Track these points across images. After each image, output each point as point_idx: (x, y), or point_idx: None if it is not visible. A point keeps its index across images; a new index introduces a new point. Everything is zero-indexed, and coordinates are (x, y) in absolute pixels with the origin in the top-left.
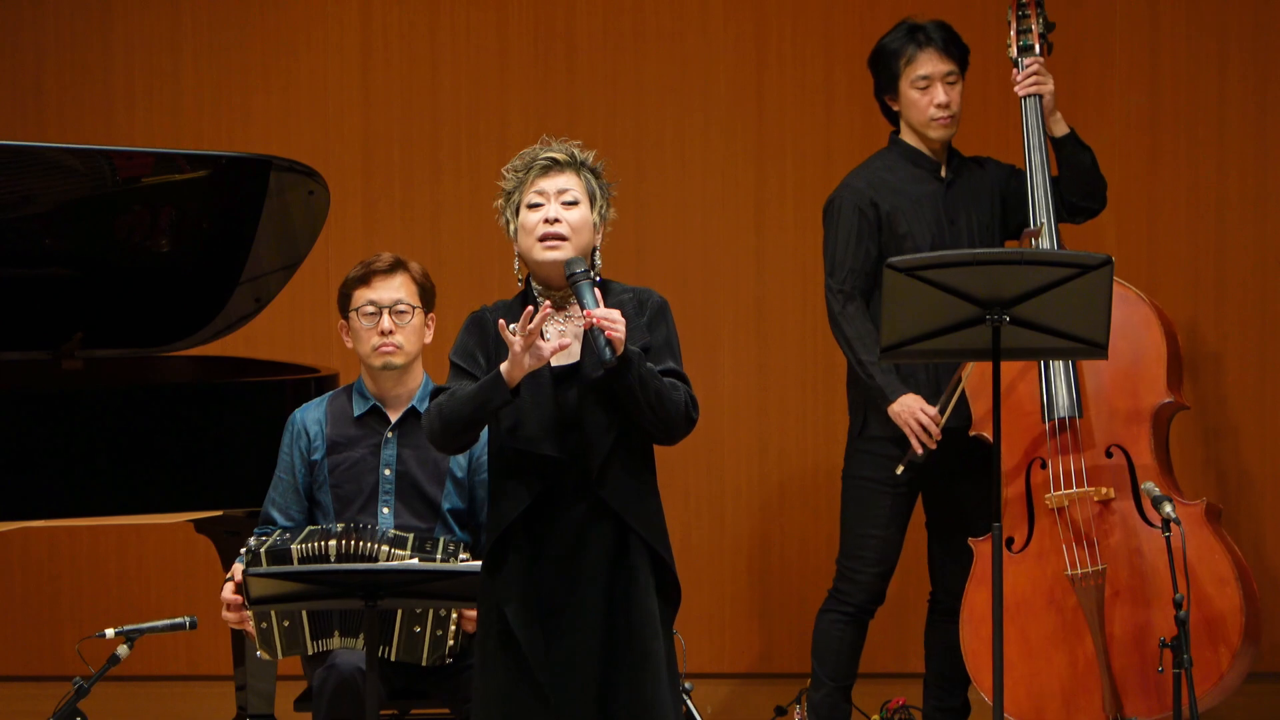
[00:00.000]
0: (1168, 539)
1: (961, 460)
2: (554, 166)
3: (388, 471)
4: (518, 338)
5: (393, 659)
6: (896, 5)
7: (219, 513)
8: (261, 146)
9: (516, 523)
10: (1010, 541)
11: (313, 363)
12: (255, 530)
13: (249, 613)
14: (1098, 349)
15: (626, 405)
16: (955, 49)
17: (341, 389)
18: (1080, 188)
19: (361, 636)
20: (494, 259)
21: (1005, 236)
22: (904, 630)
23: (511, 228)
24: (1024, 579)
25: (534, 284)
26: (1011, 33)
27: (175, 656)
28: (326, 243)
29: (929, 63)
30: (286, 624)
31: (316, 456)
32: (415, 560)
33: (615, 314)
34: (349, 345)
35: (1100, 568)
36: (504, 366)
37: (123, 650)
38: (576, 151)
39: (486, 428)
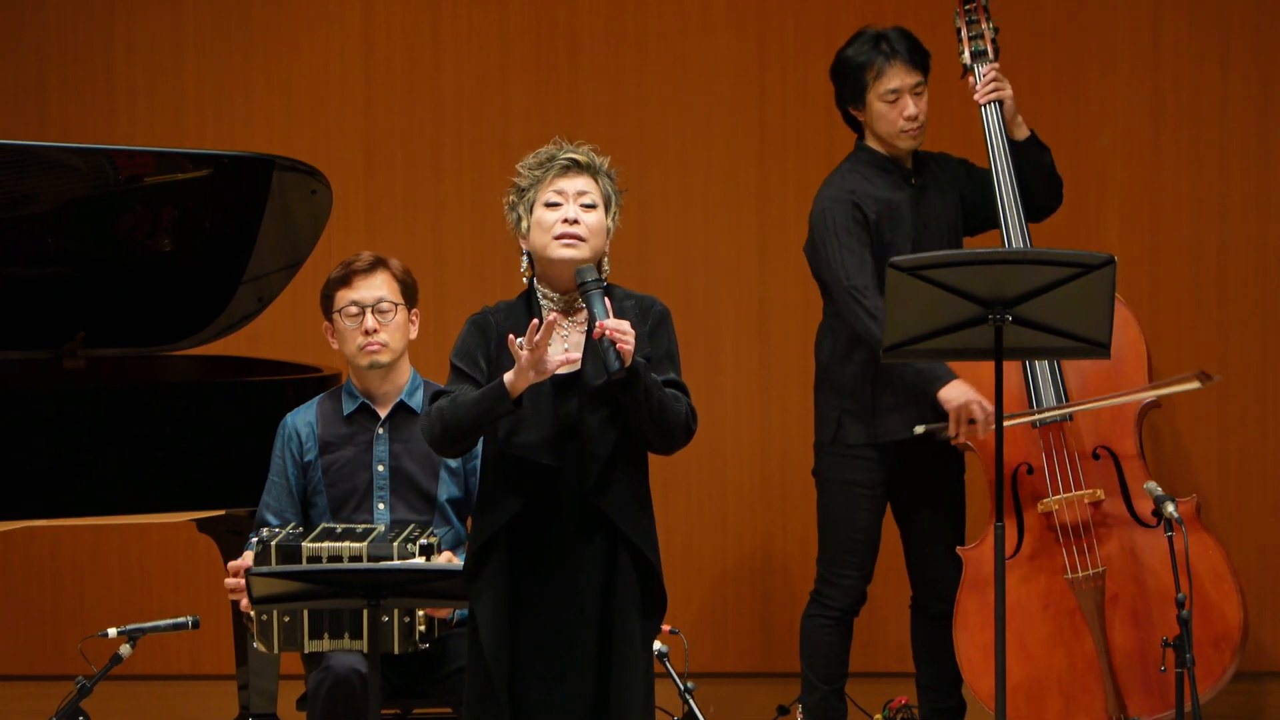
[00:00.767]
0: (1170, 539)
1: (931, 466)
2: (573, 168)
3: (381, 467)
4: (524, 352)
5: (364, 650)
6: (899, 4)
7: (221, 512)
8: (264, 146)
9: (504, 529)
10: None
11: (315, 362)
12: (250, 534)
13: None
14: (1100, 349)
15: (629, 415)
16: (920, 58)
17: (331, 391)
18: (1044, 188)
19: (347, 635)
20: (496, 258)
21: (966, 234)
22: (905, 630)
23: (524, 225)
24: (1017, 584)
25: (539, 286)
26: (962, 38)
27: (178, 656)
28: (329, 242)
29: (897, 76)
30: (287, 619)
31: (309, 458)
32: (419, 560)
33: (626, 325)
34: (335, 346)
35: (1100, 570)
36: (508, 378)
37: (125, 650)
38: (595, 156)
39: None
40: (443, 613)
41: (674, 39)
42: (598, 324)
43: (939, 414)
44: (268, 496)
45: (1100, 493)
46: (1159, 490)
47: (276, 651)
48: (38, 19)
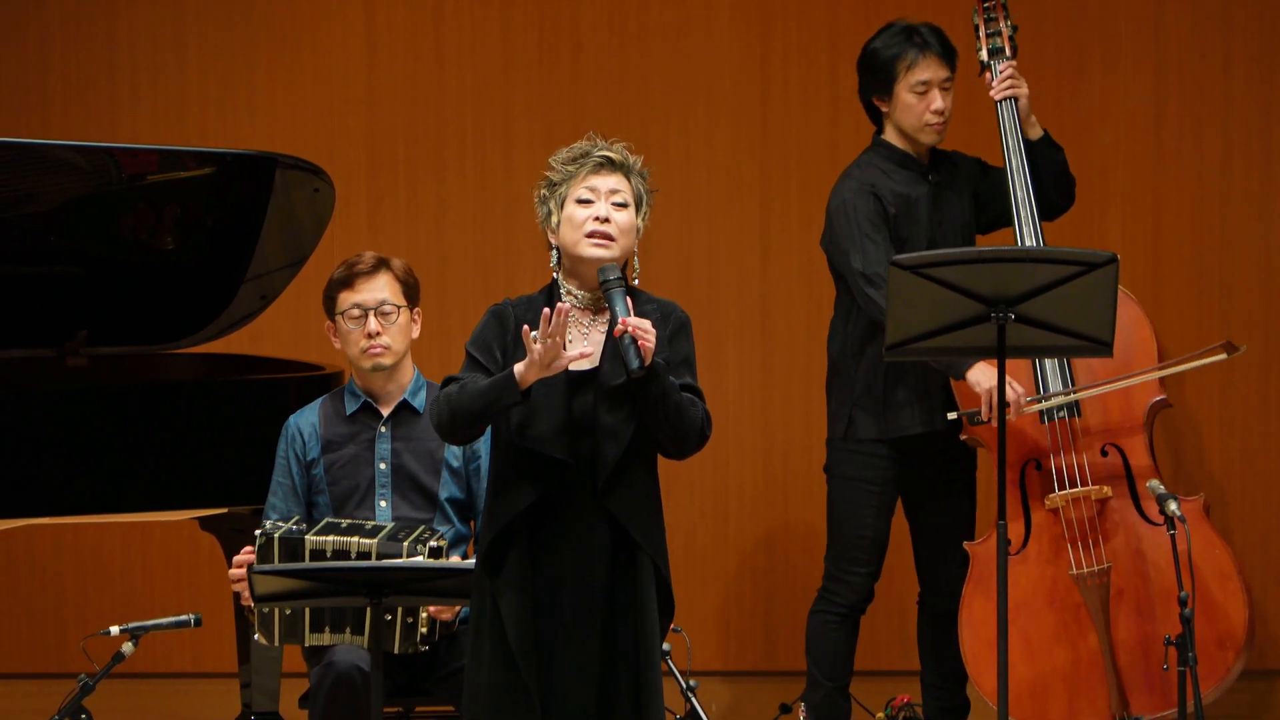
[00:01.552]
0: (1173, 537)
1: (942, 462)
2: (607, 165)
3: (383, 465)
4: (538, 345)
5: (366, 646)
6: (899, 4)
7: (223, 510)
8: (266, 144)
9: (517, 521)
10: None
11: (318, 360)
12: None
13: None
14: (1103, 347)
15: (646, 416)
16: (951, 54)
17: (334, 391)
18: (1058, 186)
19: (348, 629)
20: (499, 256)
21: (978, 232)
22: (908, 628)
23: (555, 219)
24: (1023, 580)
25: (565, 281)
26: (980, 36)
27: (180, 654)
28: (332, 240)
29: (929, 68)
30: (289, 612)
31: (312, 457)
32: (420, 558)
33: (648, 324)
34: (337, 346)
35: (1105, 566)
36: (518, 368)
37: (127, 648)
38: (628, 154)
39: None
40: (447, 615)
41: (677, 36)
42: (620, 320)
43: (951, 409)
44: (273, 498)
45: (1107, 489)
46: (1161, 488)
47: (277, 644)
48: (40, 17)
